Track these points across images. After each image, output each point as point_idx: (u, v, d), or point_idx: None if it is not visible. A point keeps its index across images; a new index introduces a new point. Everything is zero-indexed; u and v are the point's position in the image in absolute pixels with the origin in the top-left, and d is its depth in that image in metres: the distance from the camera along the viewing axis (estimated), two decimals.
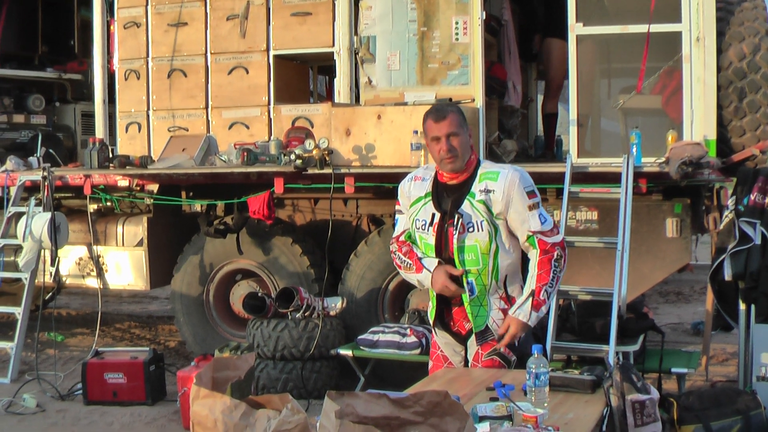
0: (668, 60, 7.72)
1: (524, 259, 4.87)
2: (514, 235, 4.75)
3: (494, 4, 8.96)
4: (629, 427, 4.23)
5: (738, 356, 7.58)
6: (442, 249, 4.79)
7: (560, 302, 7.08)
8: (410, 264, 4.90)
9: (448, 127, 4.70)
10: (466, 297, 4.73)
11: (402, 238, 5.00)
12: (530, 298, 4.67)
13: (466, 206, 4.71)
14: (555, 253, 4.68)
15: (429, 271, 4.80)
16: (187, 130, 9.28)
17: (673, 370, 7.32)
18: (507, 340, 4.71)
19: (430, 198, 4.83)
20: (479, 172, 4.77)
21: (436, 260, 4.80)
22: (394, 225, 5.13)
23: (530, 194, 4.71)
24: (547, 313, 6.81)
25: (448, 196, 4.80)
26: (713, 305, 8.14)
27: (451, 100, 7.91)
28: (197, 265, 9.42)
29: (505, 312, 4.75)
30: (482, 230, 4.68)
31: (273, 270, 9.12)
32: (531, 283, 4.70)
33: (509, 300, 4.77)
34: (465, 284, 4.72)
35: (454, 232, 4.70)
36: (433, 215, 4.79)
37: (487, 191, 4.69)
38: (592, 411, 4.06)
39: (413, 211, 4.89)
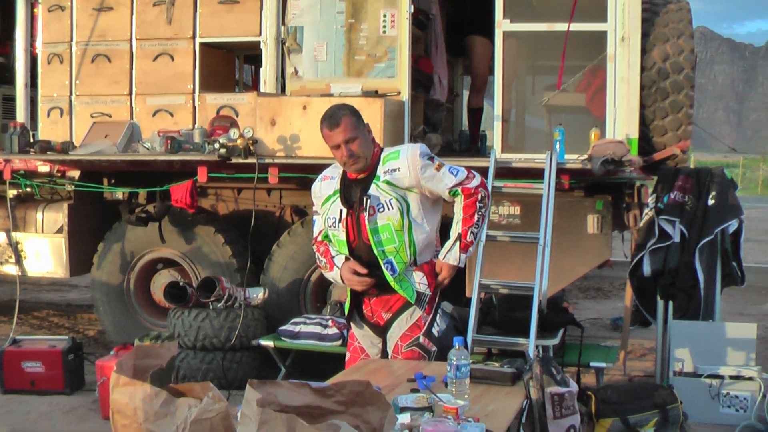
0: (593, 59, 7.81)
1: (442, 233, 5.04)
2: (429, 209, 4.89)
3: None
4: (548, 419, 4.29)
5: (655, 351, 7.71)
6: (356, 237, 4.88)
7: (482, 295, 7.12)
8: (325, 263, 5.04)
9: (344, 133, 4.78)
10: (389, 276, 4.82)
11: (320, 239, 5.11)
12: (458, 242, 4.85)
13: (372, 189, 4.83)
14: (479, 194, 4.85)
15: (338, 267, 4.94)
16: (111, 116, 9.14)
17: (592, 364, 7.41)
18: (443, 284, 4.93)
19: (338, 195, 4.93)
20: (381, 156, 4.89)
21: (344, 257, 4.93)
22: (313, 227, 5.19)
23: (431, 159, 4.84)
24: (468, 304, 6.90)
25: (356, 190, 4.89)
26: (632, 301, 8.26)
27: (377, 92, 7.92)
28: (118, 253, 9.33)
29: (428, 275, 4.89)
30: (392, 208, 4.79)
31: (195, 259, 9.07)
32: (457, 227, 4.87)
33: (422, 267, 4.91)
34: (383, 265, 4.81)
35: (365, 215, 4.79)
36: (341, 211, 4.89)
37: (392, 171, 4.82)
38: (512, 403, 4.10)
39: (324, 210, 5.00)
